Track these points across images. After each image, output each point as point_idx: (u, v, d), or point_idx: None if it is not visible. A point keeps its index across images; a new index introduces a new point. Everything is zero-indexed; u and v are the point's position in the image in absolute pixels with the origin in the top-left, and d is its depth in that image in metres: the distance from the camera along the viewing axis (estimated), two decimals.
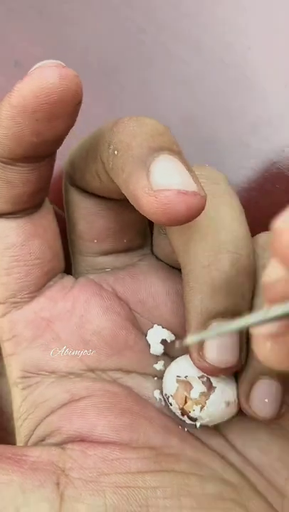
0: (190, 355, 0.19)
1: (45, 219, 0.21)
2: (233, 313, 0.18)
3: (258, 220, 0.24)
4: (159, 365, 0.21)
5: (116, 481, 0.18)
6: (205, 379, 0.19)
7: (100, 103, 0.26)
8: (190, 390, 0.19)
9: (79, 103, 0.17)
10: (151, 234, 0.23)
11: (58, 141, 0.18)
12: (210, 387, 0.19)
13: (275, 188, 0.25)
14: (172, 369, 0.20)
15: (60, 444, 0.19)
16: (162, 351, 0.21)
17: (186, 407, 0.19)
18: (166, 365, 0.21)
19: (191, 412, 0.19)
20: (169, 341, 0.21)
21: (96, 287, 0.22)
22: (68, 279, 0.22)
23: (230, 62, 0.25)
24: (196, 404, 0.19)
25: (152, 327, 0.21)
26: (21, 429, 0.21)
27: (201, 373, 0.19)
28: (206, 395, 0.19)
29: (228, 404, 0.19)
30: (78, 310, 0.21)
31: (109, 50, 0.26)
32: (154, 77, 0.26)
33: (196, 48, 0.25)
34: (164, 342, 0.21)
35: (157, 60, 0.26)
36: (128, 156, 0.17)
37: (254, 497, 0.19)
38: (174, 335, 0.21)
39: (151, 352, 0.21)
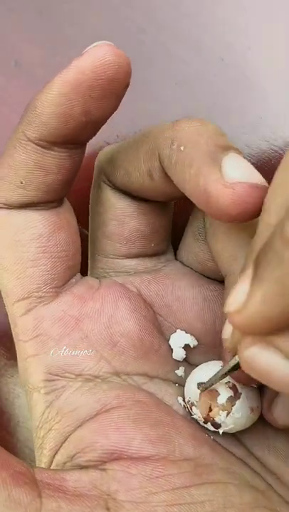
0: (224, 364, 0.19)
1: (68, 213, 0.21)
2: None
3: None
4: (180, 371, 0.21)
5: (165, 499, 0.17)
6: (231, 385, 0.19)
7: None
8: (215, 396, 0.19)
9: (128, 85, 0.18)
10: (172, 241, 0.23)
11: (100, 124, 0.18)
12: (236, 393, 0.19)
13: None
14: (196, 376, 0.20)
15: (96, 461, 0.18)
16: (184, 356, 0.21)
17: (211, 414, 0.19)
18: (186, 371, 0.21)
19: (217, 418, 0.19)
20: (192, 346, 0.21)
21: (123, 289, 0.21)
22: (92, 280, 0.22)
23: (230, 62, 0.25)
24: (223, 411, 0.19)
25: (175, 332, 0.21)
26: (45, 439, 0.20)
27: (226, 380, 0.19)
28: (232, 401, 0.19)
29: (252, 410, 0.19)
30: (107, 310, 0.21)
31: None
32: (154, 77, 0.26)
33: (196, 48, 0.25)
34: (186, 347, 0.21)
35: (157, 60, 0.26)
36: (197, 151, 0.17)
37: (282, 503, 0.19)
38: (197, 341, 0.21)
39: (173, 357, 0.21)
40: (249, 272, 0.14)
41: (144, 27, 0.26)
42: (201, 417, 0.19)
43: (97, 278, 0.22)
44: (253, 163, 0.25)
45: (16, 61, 0.27)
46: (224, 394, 0.19)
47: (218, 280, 0.22)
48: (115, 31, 0.26)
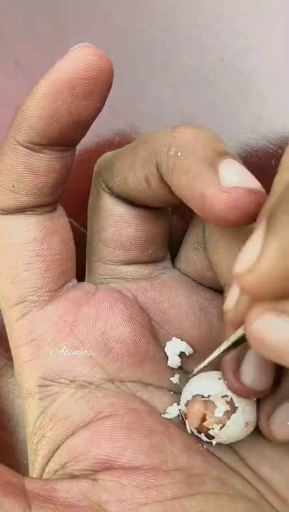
0: (224, 377, 0.19)
1: (62, 219, 0.21)
2: None
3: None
4: (175, 379, 0.21)
5: (156, 510, 0.17)
6: (229, 399, 0.19)
7: None
8: (211, 408, 0.19)
9: (110, 85, 0.18)
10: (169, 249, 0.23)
11: (86, 125, 0.19)
12: (232, 408, 0.19)
13: None
14: (193, 387, 0.20)
15: (87, 470, 0.18)
16: (179, 364, 0.21)
17: (205, 424, 0.19)
18: (181, 379, 0.21)
19: (211, 430, 0.19)
20: (187, 354, 0.21)
21: (119, 294, 0.21)
22: (89, 285, 0.22)
23: (230, 62, 0.25)
24: (217, 424, 0.19)
25: (171, 339, 0.21)
26: (39, 445, 0.20)
27: (224, 393, 0.19)
28: (228, 415, 0.19)
29: (246, 424, 0.19)
30: (102, 316, 0.20)
31: (109, 50, 0.26)
32: (154, 77, 0.26)
33: (196, 48, 0.25)
34: (181, 355, 0.21)
35: (157, 60, 0.26)
36: (194, 157, 0.17)
37: None
38: (193, 349, 0.21)
39: (168, 364, 0.21)
40: (261, 229, 0.13)
41: (144, 27, 0.26)
42: (194, 426, 0.19)
43: (94, 283, 0.22)
44: (252, 163, 0.25)
45: (16, 61, 0.27)
46: (221, 407, 0.19)
47: (214, 289, 0.22)
48: (115, 31, 0.26)
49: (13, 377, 0.29)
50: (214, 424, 0.19)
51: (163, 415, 0.20)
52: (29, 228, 0.20)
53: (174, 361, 0.21)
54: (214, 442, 0.19)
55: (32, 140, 0.18)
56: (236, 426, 0.19)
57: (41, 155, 0.19)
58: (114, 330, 0.20)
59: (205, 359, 0.20)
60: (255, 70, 0.25)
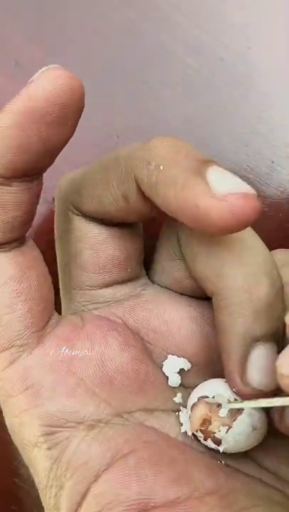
0: (231, 381, 0.18)
1: (34, 251, 0.20)
2: (273, 335, 0.18)
3: (258, 221, 0.24)
4: (178, 398, 0.20)
5: None
6: (233, 399, 0.19)
7: (100, 103, 0.26)
8: (216, 411, 0.19)
9: (82, 107, 0.17)
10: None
11: (57, 151, 0.18)
12: (238, 409, 0.18)
13: (274, 188, 0.25)
14: (199, 390, 0.19)
15: None
16: (180, 382, 0.20)
17: (210, 428, 0.19)
18: (184, 397, 0.20)
19: (217, 433, 0.18)
20: (186, 370, 0.20)
21: (108, 322, 0.21)
22: (74, 317, 0.21)
23: (230, 62, 0.25)
24: (223, 425, 0.18)
25: (167, 358, 0.21)
26: (59, 499, 0.18)
27: (229, 395, 0.19)
28: (233, 416, 0.18)
29: (254, 429, 0.19)
30: (98, 348, 0.20)
31: (109, 50, 0.26)
32: (154, 77, 0.26)
33: (196, 48, 0.25)
34: (180, 372, 0.20)
35: (157, 60, 0.26)
36: (178, 168, 0.17)
37: None
38: (190, 362, 0.21)
39: (169, 384, 0.20)
40: None
41: (144, 27, 0.26)
42: (194, 429, 0.19)
43: (74, 312, 0.21)
44: (253, 164, 0.25)
45: (16, 61, 0.27)
46: (226, 407, 0.18)
47: (196, 297, 0.21)
48: (115, 31, 0.26)
49: None
50: (220, 427, 0.18)
51: (180, 427, 0.20)
52: (3, 268, 0.19)
53: (174, 380, 0.20)
54: (221, 449, 0.19)
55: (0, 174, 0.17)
56: (243, 428, 0.18)
57: (10, 188, 0.18)
58: (113, 360, 0.20)
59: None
60: (255, 70, 0.25)
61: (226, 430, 0.18)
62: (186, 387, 0.21)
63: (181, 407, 0.20)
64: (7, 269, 0.19)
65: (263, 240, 0.19)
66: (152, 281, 0.22)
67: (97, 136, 0.26)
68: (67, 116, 0.17)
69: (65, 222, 0.21)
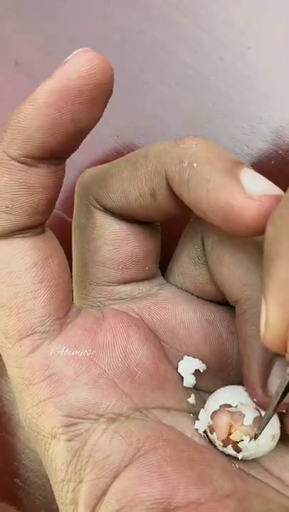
0: (252, 391, 0.18)
1: (54, 241, 0.20)
2: None
3: None
4: (191, 399, 0.20)
5: None
6: (256, 408, 0.19)
7: None
8: (239, 418, 0.18)
9: (112, 90, 0.17)
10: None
11: (85, 134, 0.18)
12: (260, 417, 0.18)
13: None
14: (220, 398, 0.19)
15: None
16: (194, 383, 0.20)
17: (233, 437, 0.18)
18: (197, 399, 0.20)
19: (240, 442, 0.18)
20: (201, 371, 0.20)
21: (128, 317, 0.20)
22: (93, 310, 0.20)
23: (230, 62, 0.25)
24: (246, 435, 0.18)
25: (182, 358, 0.20)
26: (77, 493, 0.18)
27: (251, 403, 0.19)
28: (255, 426, 0.18)
29: (273, 437, 0.19)
30: (120, 341, 0.19)
31: (109, 51, 0.26)
32: (154, 77, 0.26)
33: (196, 48, 0.25)
34: (195, 373, 0.20)
35: (157, 60, 0.26)
36: (212, 167, 0.17)
37: None
38: (205, 364, 0.21)
39: (184, 384, 0.20)
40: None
41: (144, 27, 0.26)
42: (221, 438, 0.19)
43: (92, 308, 0.21)
44: (253, 164, 0.25)
45: (16, 61, 0.27)
46: (249, 416, 0.18)
47: (216, 302, 0.21)
48: (115, 31, 0.26)
49: None
50: (243, 436, 0.18)
51: (195, 427, 0.19)
52: (28, 253, 0.18)
53: (189, 380, 0.20)
54: (240, 456, 0.19)
55: (28, 153, 0.17)
56: (265, 438, 0.18)
57: (37, 169, 0.18)
58: (134, 354, 0.19)
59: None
60: (255, 70, 0.25)
61: (248, 439, 0.18)
62: (198, 389, 0.21)
63: (202, 409, 0.20)
64: (31, 255, 0.18)
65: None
66: (168, 282, 0.22)
67: (97, 136, 0.26)
68: (99, 97, 0.17)
69: (86, 216, 0.21)
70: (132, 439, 0.18)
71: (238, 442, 0.18)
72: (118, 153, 0.26)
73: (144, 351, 0.19)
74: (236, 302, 0.19)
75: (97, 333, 0.19)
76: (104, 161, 0.26)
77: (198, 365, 0.20)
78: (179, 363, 0.20)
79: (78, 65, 0.17)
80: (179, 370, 0.20)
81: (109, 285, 0.21)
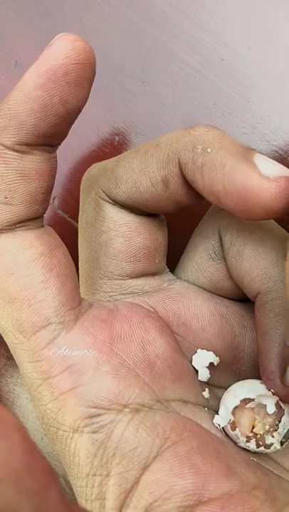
0: (270, 382, 0.18)
1: (54, 233, 0.19)
2: None
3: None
4: (206, 393, 0.20)
5: None
6: (276, 400, 0.19)
7: (100, 103, 0.26)
8: (261, 411, 0.19)
9: (94, 74, 0.18)
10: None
11: (75, 116, 0.18)
12: (280, 409, 0.18)
13: None
14: (239, 393, 0.19)
15: (180, 508, 0.16)
16: (209, 376, 0.20)
17: (255, 430, 0.18)
18: (211, 392, 0.20)
19: (263, 434, 0.18)
20: (216, 364, 0.20)
21: (143, 309, 0.20)
22: (106, 303, 0.20)
23: (230, 62, 0.25)
24: (269, 427, 0.18)
25: (196, 352, 0.20)
26: (105, 487, 0.17)
27: (270, 395, 0.19)
28: (277, 417, 0.18)
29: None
30: (138, 332, 0.19)
31: (109, 50, 0.26)
32: (154, 77, 0.26)
33: (196, 48, 0.25)
34: (209, 366, 0.20)
35: (157, 60, 0.26)
36: (226, 152, 0.18)
37: None
38: (219, 358, 0.21)
39: (199, 378, 0.20)
40: None
41: (144, 27, 0.26)
42: (245, 434, 0.18)
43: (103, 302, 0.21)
44: None
45: (16, 61, 0.27)
46: (271, 406, 0.18)
47: (229, 298, 0.22)
48: (115, 31, 0.26)
49: (13, 377, 0.29)
50: (266, 427, 0.18)
51: (215, 421, 0.19)
52: (33, 244, 0.18)
53: (204, 374, 0.20)
54: (265, 450, 0.18)
55: (21, 140, 0.17)
56: (286, 428, 0.18)
57: (32, 156, 0.18)
58: (152, 345, 0.19)
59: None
60: (255, 70, 0.25)
61: (272, 431, 0.18)
62: (211, 384, 0.21)
63: (222, 404, 0.20)
64: (36, 245, 0.18)
65: None
66: (179, 279, 0.22)
67: (97, 136, 0.26)
68: (84, 77, 0.17)
69: (95, 210, 0.21)
70: (159, 430, 0.17)
71: (262, 434, 0.18)
72: (118, 154, 0.26)
73: (161, 342, 0.19)
74: (257, 295, 0.19)
75: (114, 324, 0.19)
76: None
77: (212, 358, 0.20)
78: (193, 357, 0.20)
79: (63, 47, 0.17)
80: (193, 364, 0.20)
81: (120, 278, 0.21)
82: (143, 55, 0.26)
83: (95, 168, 0.21)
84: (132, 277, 0.21)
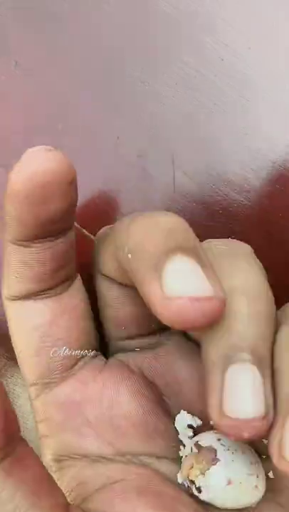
0: (210, 413, 0.16)
1: (75, 298, 0.21)
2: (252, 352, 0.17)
3: (259, 221, 0.24)
4: (181, 452, 0.20)
5: None
6: (216, 447, 0.18)
7: (100, 103, 0.26)
8: (200, 458, 0.18)
9: (71, 182, 0.17)
10: None
11: (62, 219, 0.18)
12: (215, 456, 0.18)
13: (275, 188, 0.25)
14: (190, 442, 0.20)
15: None
16: (192, 435, 0.20)
17: (191, 475, 0.19)
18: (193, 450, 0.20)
19: (195, 480, 0.18)
20: (195, 427, 0.21)
21: (125, 370, 0.22)
22: (99, 360, 0.22)
23: (230, 62, 0.25)
24: (200, 472, 0.18)
25: (179, 412, 0.21)
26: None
27: (216, 442, 0.18)
28: (208, 463, 0.18)
29: (229, 482, 0.17)
30: (108, 393, 0.21)
31: (110, 50, 0.26)
32: (154, 77, 0.26)
33: (196, 48, 0.25)
34: (191, 427, 0.21)
35: (157, 60, 0.26)
36: (141, 260, 0.17)
37: None
38: (201, 420, 0.21)
39: (179, 437, 0.21)
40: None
41: (144, 27, 0.26)
42: (184, 479, 0.19)
43: (112, 355, 0.23)
44: (253, 164, 0.25)
45: (16, 61, 0.27)
46: (205, 453, 0.18)
47: None
48: (115, 31, 0.26)
49: (13, 377, 0.29)
50: (198, 471, 0.18)
51: (178, 480, 0.20)
52: (36, 313, 0.20)
53: (184, 435, 0.21)
54: (202, 497, 0.18)
55: (17, 238, 0.19)
56: (216, 478, 0.18)
57: (31, 249, 0.19)
58: (121, 407, 0.21)
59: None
60: (255, 70, 0.25)
61: (202, 477, 0.18)
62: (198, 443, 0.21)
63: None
64: (39, 316, 0.21)
65: (277, 246, 0.18)
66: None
67: (97, 136, 0.26)
68: (50, 196, 0.17)
69: (94, 278, 0.22)
70: (105, 470, 0.20)
71: (194, 480, 0.18)
72: (118, 154, 0.26)
73: (131, 404, 0.21)
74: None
75: (88, 384, 0.21)
76: (105, 162, 0.26)
77: (191, 420, 0.21)
78: (176, 417, 0.21)
79: (24, 170, 0.17)
80: (175, 424, 0.21)
81: (118, 340, 0.22)
82: (143, 55, 0.26)
83: (98, 235, 0.22)
84: (125, 339, 0.22)
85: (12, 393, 0.29)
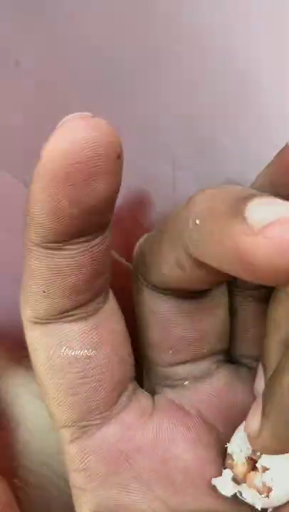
0: (247, 434, 0.16)
1: (111, 320, 0.18)
2: None
3: None
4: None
5: None
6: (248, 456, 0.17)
7: (100, 103, 0.26)
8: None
9: (119, 156, 0.14)
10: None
11: (104, 208, 0.15)
12: (254, 467, 0.17)
13: None
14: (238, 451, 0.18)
15: None
16: (235, 491, 0.18)
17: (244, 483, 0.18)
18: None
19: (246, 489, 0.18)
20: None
21: (180, 413, 0.19)
22: (146, 399, 0.19)
23: (230, 62, 0.25)
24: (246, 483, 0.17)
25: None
26: None
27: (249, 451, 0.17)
28: (248, 472, 0.17)
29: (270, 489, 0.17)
30: (162, 443, 0.18)
31: (110, 50, 0.26)
32: (154, 77, 0.26)
33: (196, 48, 0.25)
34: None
35: (157, 60, 0.26)
36: (214, 216, 0.14)
37: None
38: None
39: (222, 492, 0.18)
40: (258, 407, 0.15)
41: (144, 27, 0.26)
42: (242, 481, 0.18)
43: (153, 390, 0.20)
44: (253, 164, 0.25)
45: (16, 61, 0.27)
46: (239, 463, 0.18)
47: None
48: (115, 31, 0.26)
49: (13, 377, 0.29)
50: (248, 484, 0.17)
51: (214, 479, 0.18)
52: (71, 345, 0.17)
53: (227, 490, 0.18)
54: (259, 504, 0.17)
55: (46, 239, 0.15)
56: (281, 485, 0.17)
57: (64, 252, 0.16)
58: (177, 459, 0.18)
59: None
60: (255, 69, 0.25)
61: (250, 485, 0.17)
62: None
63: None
64: (74, 347, 0.17)
65: None
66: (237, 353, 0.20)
67: None
68: (94, 173, 0.14)
69: (136, 293, 0.19)
70: None
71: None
72: None
73: (189, 455, 0.18)
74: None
75: (137, 431, 0.18)
76: None
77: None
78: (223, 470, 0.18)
79: (62, 141, 0.14)
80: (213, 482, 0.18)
81: (163, 367, 0.19)
82: (143, 55, 0.26)
83: (138, 244, 0.19)
84: (174, 365, 0.19)
85: (12, 393, 0.29)
